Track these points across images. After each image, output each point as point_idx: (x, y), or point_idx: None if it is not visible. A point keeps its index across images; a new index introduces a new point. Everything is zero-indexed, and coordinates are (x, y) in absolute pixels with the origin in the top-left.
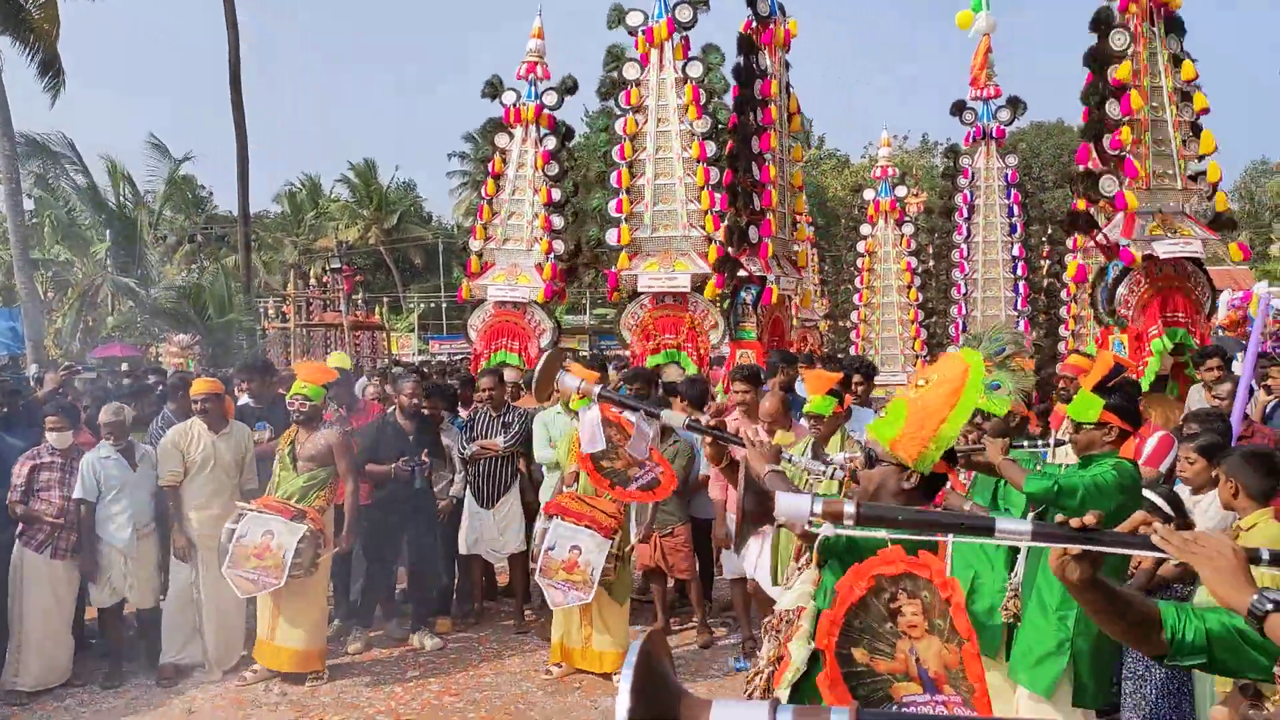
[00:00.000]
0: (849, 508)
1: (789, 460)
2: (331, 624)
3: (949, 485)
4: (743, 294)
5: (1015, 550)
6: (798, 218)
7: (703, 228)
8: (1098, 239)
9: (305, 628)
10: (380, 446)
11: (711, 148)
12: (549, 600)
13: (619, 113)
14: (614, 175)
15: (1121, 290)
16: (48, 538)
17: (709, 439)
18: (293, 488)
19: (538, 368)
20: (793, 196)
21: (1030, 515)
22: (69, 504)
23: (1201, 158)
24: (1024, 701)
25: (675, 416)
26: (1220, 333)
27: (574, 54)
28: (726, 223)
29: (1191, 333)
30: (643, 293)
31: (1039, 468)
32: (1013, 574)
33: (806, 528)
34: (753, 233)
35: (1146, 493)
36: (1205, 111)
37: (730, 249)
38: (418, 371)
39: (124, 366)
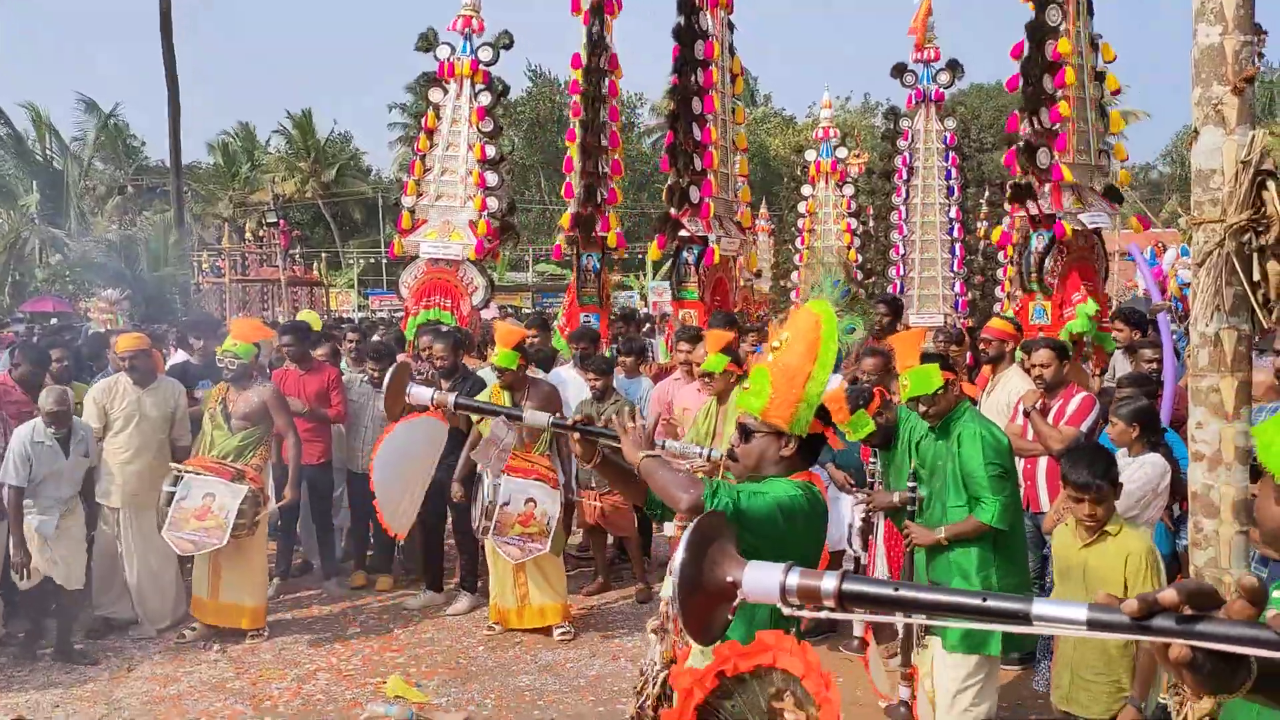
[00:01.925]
0: (828, 584)
1: (662, 445)
2: (271, 582)
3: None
4: (684, 254)
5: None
6: (741, 179)
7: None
8: (1030, 210)
9: (246, 585)
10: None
11: (491, 150)
12: (506, 557)
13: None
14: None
15: (1048, 261)
16: None
17: (576, 436)
18: (228, 447)
19: (385, 382)
20: (736, 158)
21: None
22: None
23: (1110, 138)
24: (938, 654)
25: (538, 416)
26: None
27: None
28: (668, 183)
29: (1100, 302)
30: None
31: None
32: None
33: (782, 609)
34: (694, 193)
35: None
36: (1117, 93)
37: (672, 209)
38: (357, 330)
39: (54, 321)
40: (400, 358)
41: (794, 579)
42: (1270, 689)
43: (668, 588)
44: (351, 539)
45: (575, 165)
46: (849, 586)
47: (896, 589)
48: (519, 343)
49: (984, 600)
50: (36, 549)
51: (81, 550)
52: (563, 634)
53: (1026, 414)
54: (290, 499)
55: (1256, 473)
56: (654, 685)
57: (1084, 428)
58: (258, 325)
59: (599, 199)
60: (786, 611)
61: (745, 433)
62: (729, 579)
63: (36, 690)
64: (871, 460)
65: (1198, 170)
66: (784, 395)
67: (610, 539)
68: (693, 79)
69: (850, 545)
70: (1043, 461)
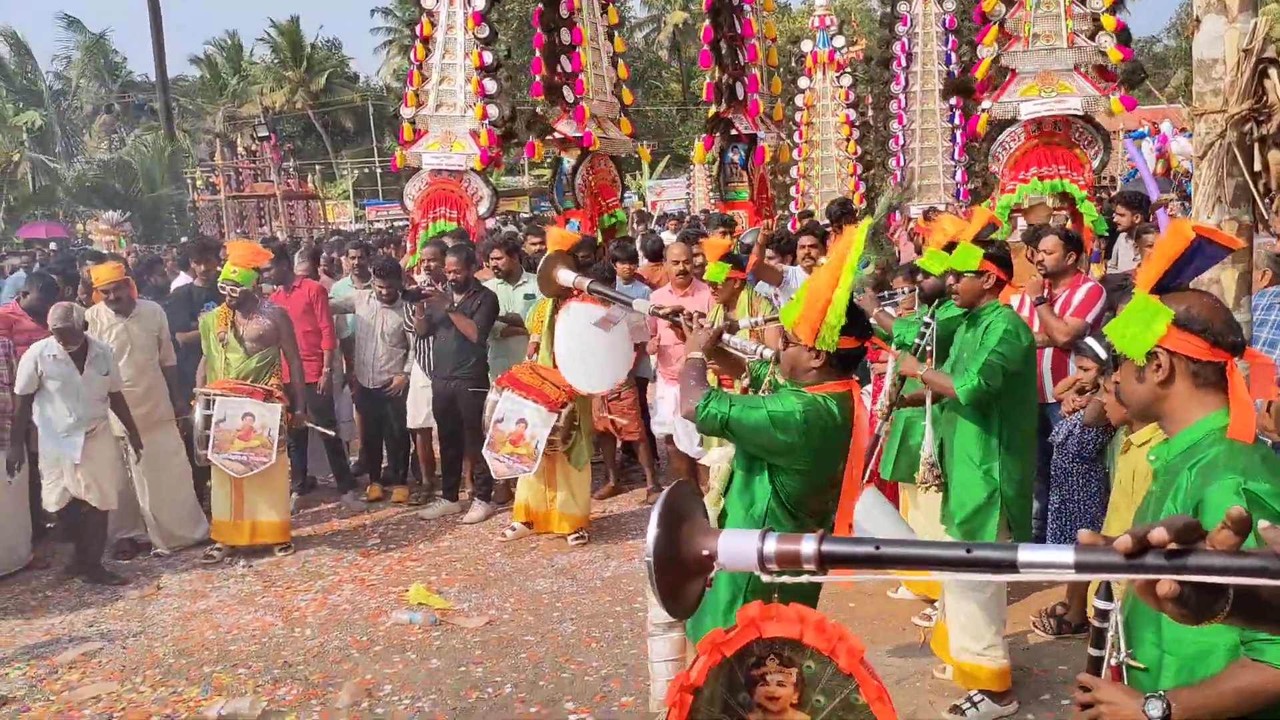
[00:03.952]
0: (807, 547)
1: (729, 341)
2: (290, 497)
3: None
4: (729, 154)
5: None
6: (771, 69)
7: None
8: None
9: (271, 501)
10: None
11: (489, 56)
12: (493, 472)
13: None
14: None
15: (995, 147)
16: None
17: (669, 322)
18: (247, 368)
19: (539, 267)
20: (767, 49)
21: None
22: (3, 391)
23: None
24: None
25: (643, 304)
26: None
27: None
28: (710, 79)
29: (1074, 182)
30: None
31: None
32: (924, 448)
33: (761, 576)
34: (738, 90)
35: (1089, 340)
36: None
37: (718, 107)
38: (361, 246)
39: (52, 246)
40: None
41: (771, 545)
42: (1244, 610)
43: (711, 456)
44: (365, 452)
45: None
46: (829, 548)
47: (878, 547)
48: (572, 248)
49: (969, 551)
50: (68, 472)
51: (113, 471)
52: (577, 538)
53: (1034, 305)
54: (301, 420)
55: (1114, 358)
56: None
57: (1090, 318)
58: (255, 248)
59: (735, 92)
60: (765, 578)
61: (785, 340)
62: (704, 551)
63: (70, 611)
64: (926, 325)
65: (1199, 60)
66: (808, 314)
67: (619, 443)
68: None
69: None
70: (1048, 352)
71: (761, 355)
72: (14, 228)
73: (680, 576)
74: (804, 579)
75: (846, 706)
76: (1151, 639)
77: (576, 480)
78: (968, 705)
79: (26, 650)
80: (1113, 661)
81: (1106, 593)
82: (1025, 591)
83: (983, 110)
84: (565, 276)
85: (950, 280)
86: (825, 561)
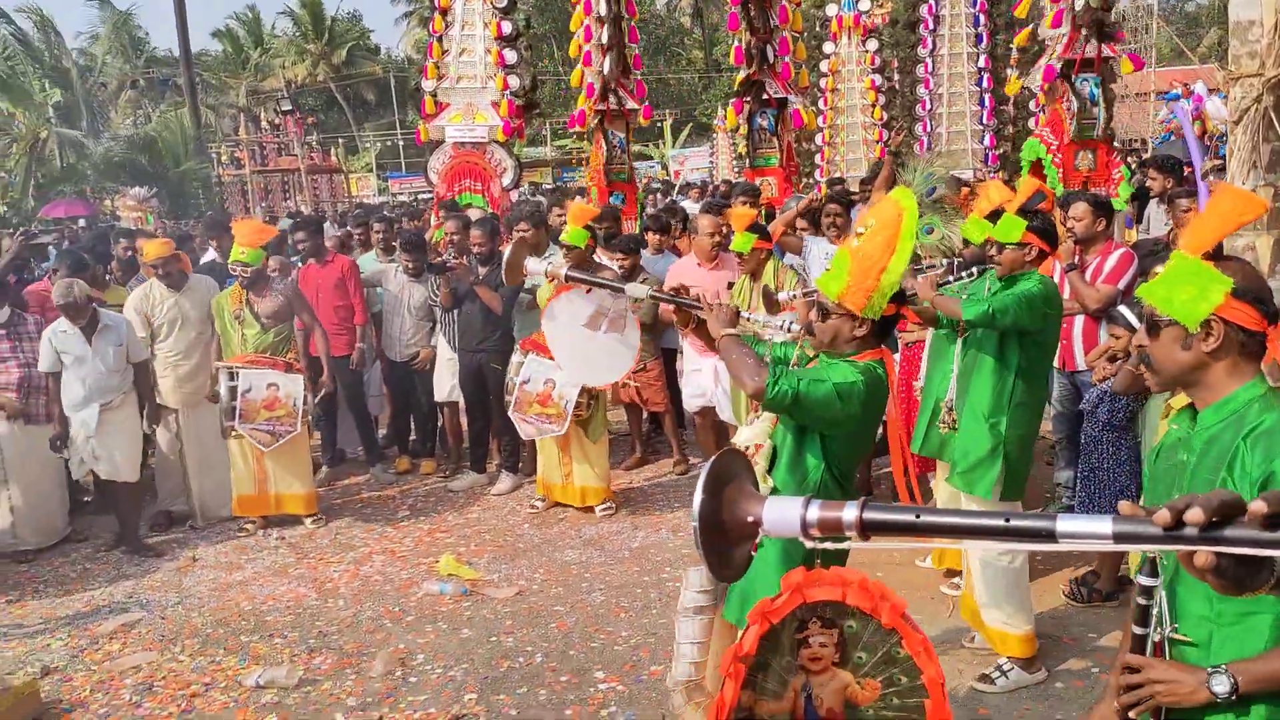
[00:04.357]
0: (849, 514)
1: (747, 319)
2: (318, 472)
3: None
4: (758, 119)
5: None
6: (796, 35)
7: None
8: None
9: (294, 473)
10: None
11: (508, 26)
12: (521, 434)
13: None
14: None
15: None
16: (21, 408)
17: (673, 306)
18: (264, 343)
19: (505, 254)
20: (793, 13)
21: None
22: (30, 372)
23: None
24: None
25: (638, 288)
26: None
27: None
28: (738, 43)
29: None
30: (447, 141)
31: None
32: (946, 394)
33: (803, 541)
34: (768, 53)
35: (1121, 308)
36: None
37: (748, 70)
38: (385, 219)
39: (81, 223)
40: (515, 234)
41: (814, 512)
42: None
43: (742, 435)
44: (393, 426)
45: (595, 34)
46: (870, 515)
47: (918, 515)
48: (589, 221)
49: (1007, 521)
50: (81, 443)
51: (130, 444)
52: (605, 510)
53: (1064, 271)
54: (328, 388)
55: (1150, 324)
56: None
57: (1121, 285)
58: (260, 226)
59: (766, 55)
60: (809, 545)
61: (823, 312)
62: (749, 517)
63: (109, 583)
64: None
65: (1235, 22)
66: (860, 283)
67: (645, 414)
68: None
69: None
70: (1079, 319)
71: (788, 328)
72: (43, 204)
73: (726, 541)
74: (846, 545)
75: (888, 660)
76: (1202, 612)
77: (594, 452)
78: (997, 674)
79: (67, 621)
80: (1155, 638)
81: (1151, 568)
82: (1057, 561)
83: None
84: (535, 265)
85: (992, 250)
86: (866, 529)
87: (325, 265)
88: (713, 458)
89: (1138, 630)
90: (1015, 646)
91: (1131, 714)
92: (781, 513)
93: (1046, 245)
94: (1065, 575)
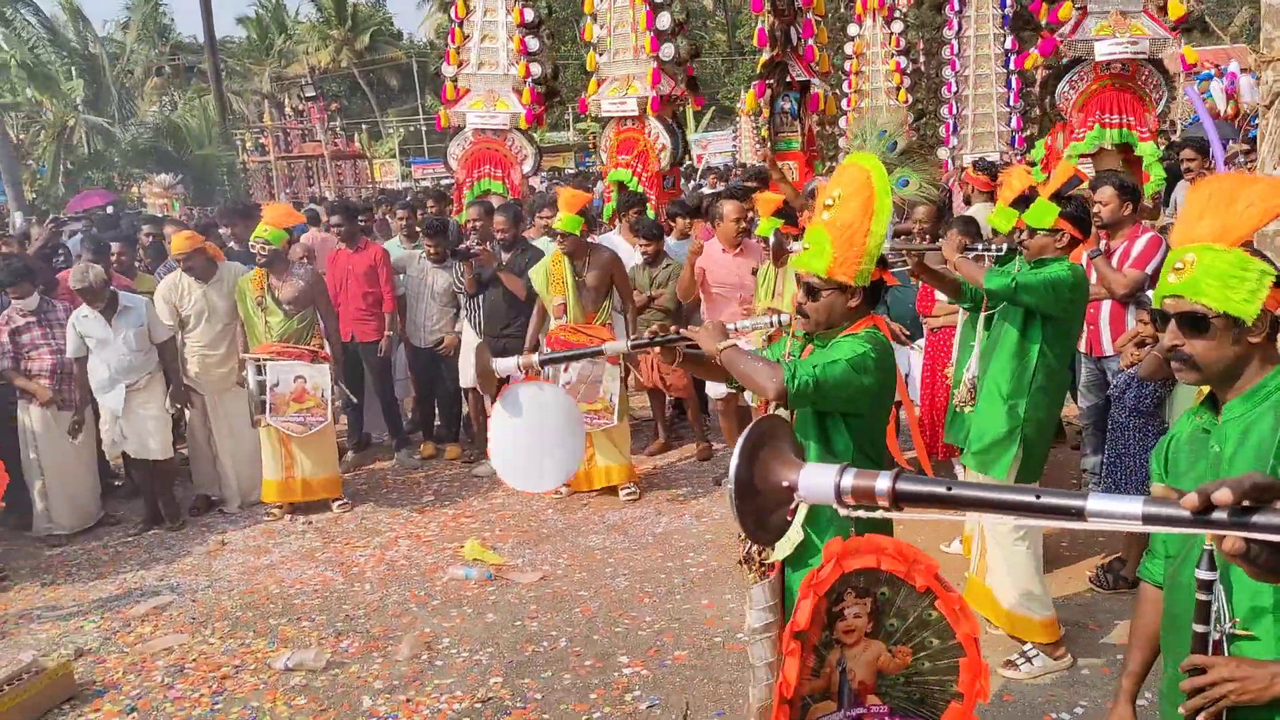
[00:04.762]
0: (882, 483)
1: (734, 328)
2: (344, 457)
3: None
4: (780, 102)
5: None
6: (817, 19)
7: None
8: (1044, 38)
9: (318, 457)
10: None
11: (530, 13)
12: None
13: None
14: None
15: (1063, 87)
16: (54, 395)
17: (657, 349)
18: (289, 330)
19: (475, 363)
20: None
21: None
22: (60, 358)
23: None
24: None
25: (616, 345)
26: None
27: None
28: (761, 26)
29: (1136, 131)
30: (468, 127)
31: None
32: (967, 369)
33: (837, 508)
34: (792, 34)
35: (1150, 293)
36: None
37: (771, 52)
38: (408, 206)
39: (109, 209)
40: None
41: (849, 480)
42: None
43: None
44: (419, 411)
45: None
46: (903, 486)
47: (950, 488)
48: (583, 207)
49: (1038, 497)
50: (110, 424)
51: (159, 423)
52: (628, 494)
53: (1089, 257)
54: (334, 374)
55: (1195, 322)
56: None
57: (1149, 269)
58: (289, 210)
59: (790, 37)
60: (843, 513)
61: (811, 291)
62: (785, 483)
63: (140, 567)
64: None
65: (1269, 4)
66: (845, 253)
67: (668, 399)
68: None
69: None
70: (1106, 304)
71: (778, 321)
72: (72, 192)
73: (761, 506)
74: (878, 514)
75: (921, 624)
76: (1263, 604)
77: (616, 434)
78: (1021, 660)
79: (100, 604)
80: (1215, 635)
81: (1209, 563)
82: (1081, 548)
83: (1033, 50)
84: (504, 365)
85: (1023, 236)
86: (898, 499)
87: (358, 252)
88: (753, 423)
89: (1199, 628)
90: (1038, 631)
91: (1200, 718)
92: (817, 479)
93: (1079, 232)
94: (1091, 562)
